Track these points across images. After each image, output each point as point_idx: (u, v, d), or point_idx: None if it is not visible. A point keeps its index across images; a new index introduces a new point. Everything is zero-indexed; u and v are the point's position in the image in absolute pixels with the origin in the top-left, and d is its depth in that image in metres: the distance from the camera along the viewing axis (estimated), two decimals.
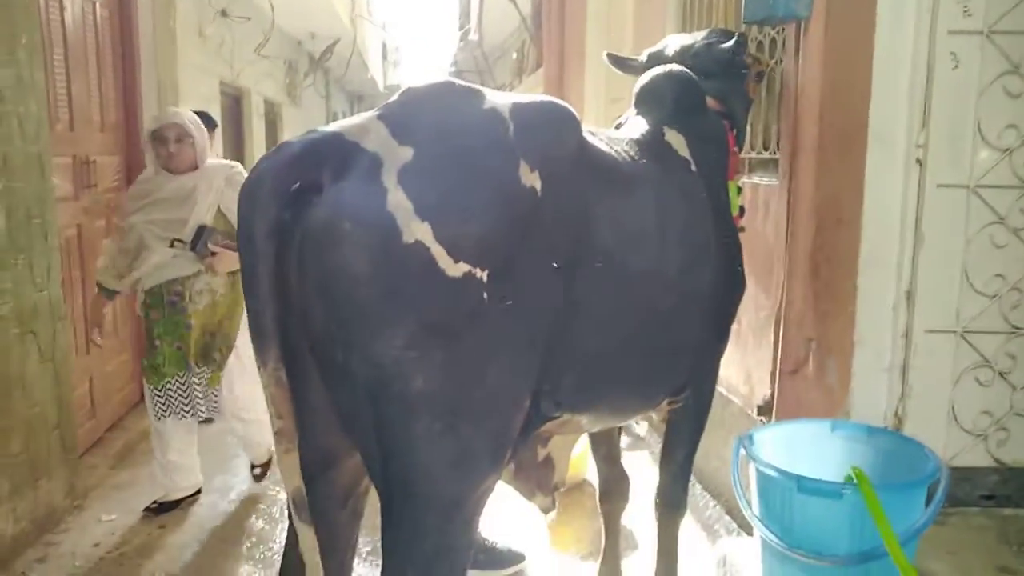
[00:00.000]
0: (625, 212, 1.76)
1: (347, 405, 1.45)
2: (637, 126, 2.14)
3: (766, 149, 3.07)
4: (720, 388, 3.37)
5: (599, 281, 1.66)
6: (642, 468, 3.58)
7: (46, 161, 3.27)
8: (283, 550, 1.69)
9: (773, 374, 2.88)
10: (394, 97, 1.53)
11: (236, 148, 7.24)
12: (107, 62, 4.38)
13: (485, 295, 1.40)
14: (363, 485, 1.68)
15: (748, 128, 3.13)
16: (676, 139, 2.11)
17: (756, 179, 3.12)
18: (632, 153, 1.92)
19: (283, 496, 1.72)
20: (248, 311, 1.40)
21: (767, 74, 2.87)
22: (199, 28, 5.64)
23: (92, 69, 4.18)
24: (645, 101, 2.24)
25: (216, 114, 5.46)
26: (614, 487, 2.62)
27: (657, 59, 2.50)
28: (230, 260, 3.16)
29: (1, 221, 2.92)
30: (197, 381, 3.29)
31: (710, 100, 2.33)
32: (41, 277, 3.19)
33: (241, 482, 3.77)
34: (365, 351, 1.37)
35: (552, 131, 1.60)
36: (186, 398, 3.31)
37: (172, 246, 3.16)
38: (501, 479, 1.95)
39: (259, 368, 1.41)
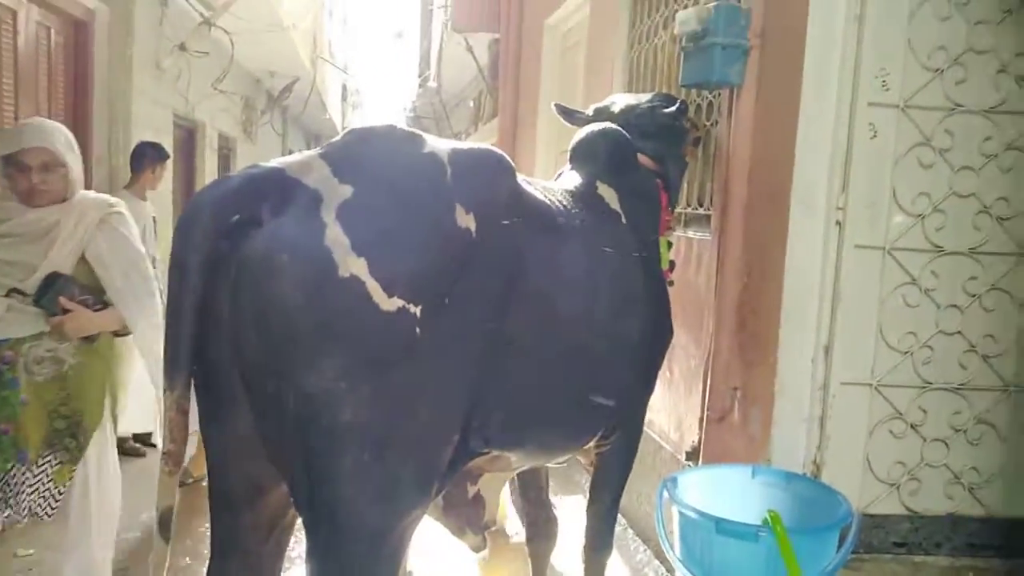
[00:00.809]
0: (557, 257, 1.85)
1: (276, 434, 1.48)
2: (572, 179, 2.25)
3: (700, 205, 3.21)
4: (652, 434, 3.47)
5: (530, 322, 1.73)
6: (576, 511, 3.61)
7: None
8: None
9: (701, 421, 2.97)
10: (338, 137, 1.60)
11: (187, 182, 7.20)
12: (59, 88, 4.38)
13: (418, 330, 1.46)
14: (288, 518, 1.70)
15: (684, 185, 3.29)
16: (608, 193, 2.22)
17: (691, 233, 3.25)
18: (566, 203, 2.03)
19: (207, 534, 1.72)
20: (167, 337, 1.45)
21: (703, 138, 3.03)
22: (156, 60, 5.66)
23: (43, 94, 4.18)
24: (579, 156, 2.35)
25: (168, 146, 5.45)
26: (542, 529, 2.66)
27: (602, 114, 2.62)
28: (86, 322, 2.44)
29: None
30: (32, 474, 2.47)
31: (646, 160, 2.46)
32: None
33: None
34: (296, 381, 1.41)
35: (487, 177, 1.68)
36: (5, 492, 2.48)
37: (8, 295, 2.39)
38: (431, 516, 2.00)
39: (164, 391, 1.47)
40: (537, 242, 1.79)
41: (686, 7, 3.09)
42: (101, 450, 2.57)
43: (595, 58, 4.68)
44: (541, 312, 1.78)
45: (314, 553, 1.50)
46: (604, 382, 2.07)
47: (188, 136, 7.25)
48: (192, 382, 1.48)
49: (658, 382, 2.92)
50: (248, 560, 1.64)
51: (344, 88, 18.91)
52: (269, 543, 1.66)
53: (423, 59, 12.62)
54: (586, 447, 2.28)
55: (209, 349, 1.48)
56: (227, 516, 1.63)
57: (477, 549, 2.21)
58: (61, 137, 2.48)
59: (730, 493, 2.36)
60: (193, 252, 1.40)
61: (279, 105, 11.48)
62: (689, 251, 3.23)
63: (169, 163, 4.93)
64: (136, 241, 2.59)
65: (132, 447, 4.56)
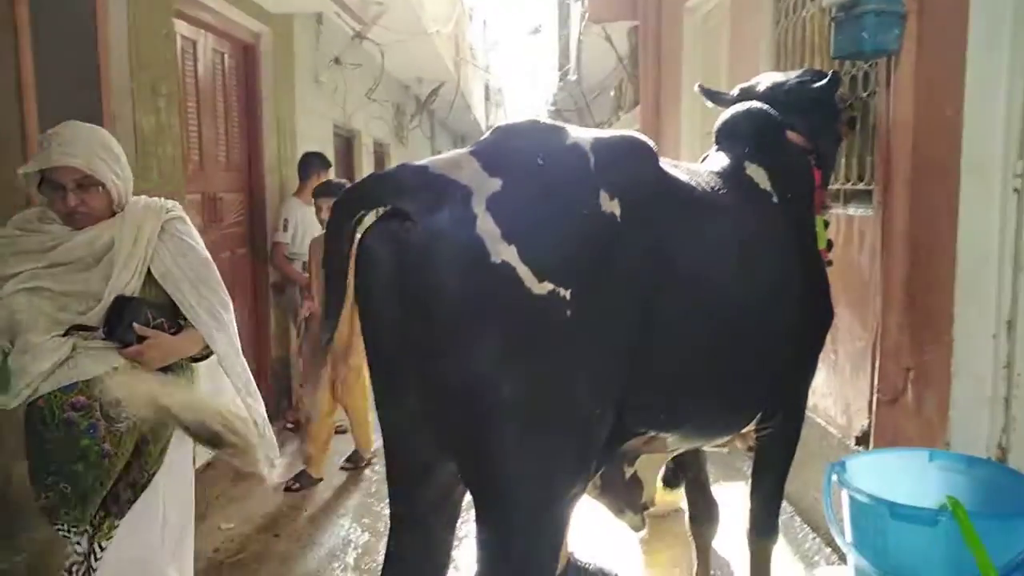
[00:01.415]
0: (706, 239, 1.84)
1: (440, 414, 1.58)
2: (718, 160, 2.21)
3: (860, 180, 3.05)
4: (818, 419, 3.34)
5: (681, 304, 1.74)
6: (739, 498, 3.55)
7: (180, 198, 3.61)
8: (383, 564, 1.82)
9: (871, 404, 2.84)
10: (486, 135, 1.68)
11: None
12: (233, 107, 4.78)
13: (568, 312, 1.50)
14: (457, 493, 1.79)
15: (842, 160, 3.14)
16: (757, 173, 2.17)
17: (851, 210, 3.10)
18: (713, 184, 2.00)
19: (387, 512, 1.85)
20: (326, 290, 1.62)
21: (860, 111, 2.88)
22: (315, 75, 6.06)
23: (220, 113, 4.58)
24: (725, 137, 2.31)
25: (329, 154, 5.84)
26: (703, 512, 2.64)
27: (748, 94, 2.55)
28: (168, 348, 2.12)
29: None
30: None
31: (797, 137, 2.37)
32: None
33: (348, 496, 3.98)
34: (456, 364, 1.49)
35: (630, 162, 1.70)
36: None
37: (68, 333, 2.06)
38: (590, 495, 2.05)
39: (322, 346, 1.66)
40: (684, 224, 1.79)
41: None
42: (149, 503, 2.18)
43: (739, 38, 4.55)
44: (692, 294, 1.77)
45: (482, 527, 1.59)
46: (760, 364, 2.04)
47: (346, 144, 7.70)
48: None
49: (822, 365, 2.82)
50: (423, 534, 1.75)
51: (487, 88, 19.31)
52: (441, 517, 1.77)
53: (562, 53, 12.66)
54: (744, 431, 2.24)
55: (376, 335, 1.60)
56: (401, 493, 1.75)
57: (636, 528, 2.24)
58: (96, 147, 2.10)
59: (904, 478, 2.24)
60: (342, 226, 1.57)
61: (427, 109, 11.92)
62: (850, 229, 3.09)
63: (331, 170, 5.28)
64: (201, 245, 2.27)
65: None
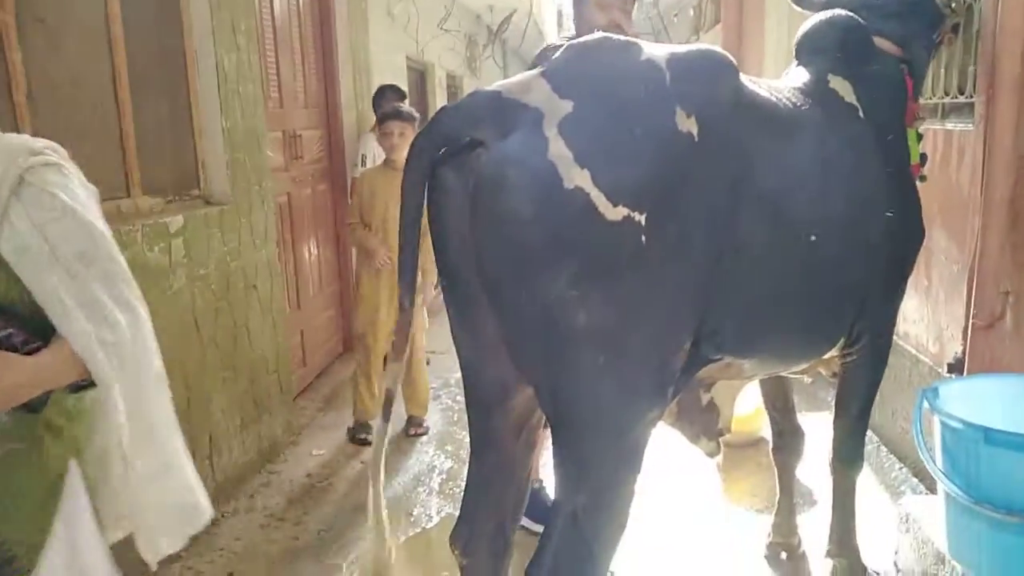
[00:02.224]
0: (786, 156, 1.76)
1: (518, 339, 1.59)
2: (800, 75, 2.10)
3: (961, 93, 2.86)
4: (908, 346, 3.23)
5: (760, 225, 1.68)
6: (823, 428, 3.50)
7: (262, 135, 3.69)
8: (465, 487, 1.88)
9: (965, 330, 2.71)
10: (556, 54, 1.63)
11: (421, 119, 7.68)
12: (308, 45, 4.81)
13: (644, 237, 1.47)
14: (535, 417, 1.82)
15: (941, 72, 2.94)
16: (841, 85, 2.05)
17: (949, 125, 2.92)
18: (794, 100, 1.91)
19: (467, 440, 1.90)
20: (401, 246, 1.60)
21: (962, 19, 2.67)
22: (388, 8, 6.02)
23: (296, 51, 4.62)
24: (807, 50, 2.18)
25: (404, 87, 5.83)
26: (788, 440, 2.62)
27: None
28: (18, 377, 1.25)
29: (228, 188, 3.35)
30: None
31: (888, 45, 2.22)
32: (260, 239, 3.63)
33: (432, 424, 4.11)
34: (532, 290, 1.49)
35: (708, 78, 1.63)
36: None
37: None
38: (666, 422, 2.04)
39: (400, 307, 1.64)
40: (765, 142, 1.72)
41: None
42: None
43: None
44: (771, 214, 1.71)
45: (559, 451, 1.61)
46: (843, 286, 1.96)
47: (419, 77, 7.67)
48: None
49: (913, 290, 2.70)
50: (502, 457, 1.79)
51: (559, 14, 18.78)
52: (519, 441, 1.80)
53: None
54: (827, 356, 2.18)
55: (453, 262, 1.61)
56: (480, 417, 1.79)
57: (712, 455, 2.23)
58: None
59: (1000, 405, 2.15)
60: (420, 172, 1.54)
61: (499, 39, 11.71)
62: (948, 145, 2.91)
63: (406, 101, 5.28)
64: (89, 207, 1.36)
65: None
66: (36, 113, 2.35)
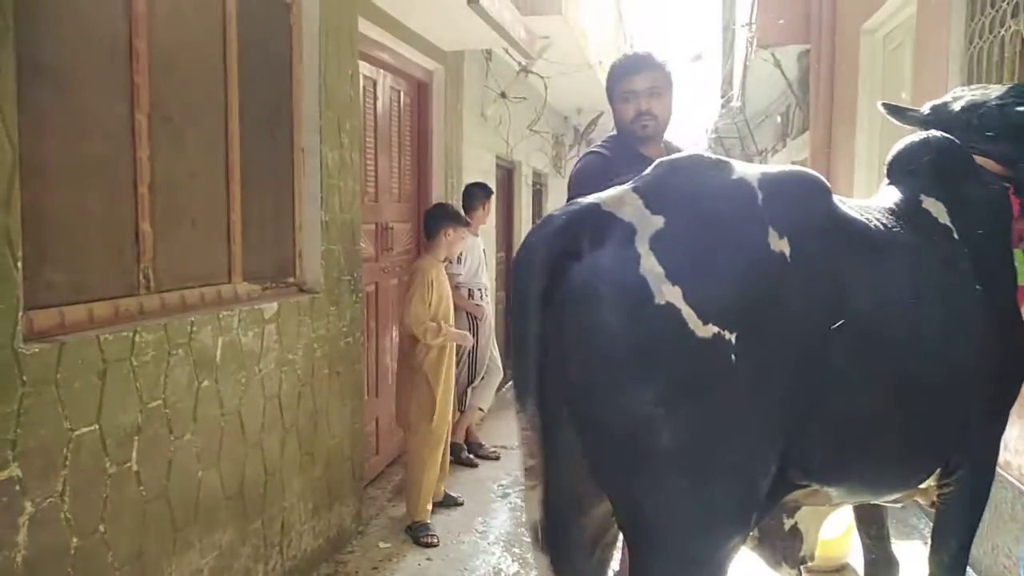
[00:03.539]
0: (878, 280, 1.73)
1: (598, 455, 1.57)
2: (891, 195, 2.07)
3: None
4: (1011, 477, 3.03)
5: (851, 349, 1.64)
6: (916, 559, 3.28)
7: (357, 228, 3.86)
8: None
9: None
10: (648, 170, 1.67)
11: (506, 216, 7.86)
12: (406, 141, 5.05)
13: (733, 357, 1.46)
14: (611, 534, 1.78)
15: None
16: (935, 207, 2.01)
17: None
18: (886, 221, 1.88)
19: None
20: (515, 365, 1.58)
21: None
22: (482, 109, 6.29)
23: (394, 148, 4.86)
24: (898, 170, 2.14)
25: (492, 184, 6.02)
26: (880, 570, 2.46)
27: (941, 112, 2.36)
28: None
29: (321, 277, 3.49)
30: None
31: (992, 164, 2.19)
32: (347, 326, 3.74)
33: (500, 525, 4.04)
34: (616, 405, 1.49)
35: (800, 199, 1.64)
36: None
37: None
38: (746, 546, 1.96)
39: (517, 413, 1.59)
40: (856, 265, 1.70)
41: None
42: None
43: (924, 59, 4.26)
44: (863, 338, 1.67)
45: (636, 573, 1.56)
46: (939, 414, 1.88)
47: (507, 175, 7.90)
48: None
49: (1019, 419, 2.54)
50: (574, 572, 1.74)
51: None
52: (593, 558, 1.75)
53: (725, 80, 12.39)
54: (922, 486, 2.07)
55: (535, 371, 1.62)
56: (555, 528, 1.75)
57: None
58: None
59: None
60: (532, 288, 1.53)
61: (585, 139, 12.01)
62: None
63: (492, 198, 5.44)
64: None
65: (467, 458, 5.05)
66: (155, 204, 2.53)
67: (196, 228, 2.78)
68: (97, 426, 2.16)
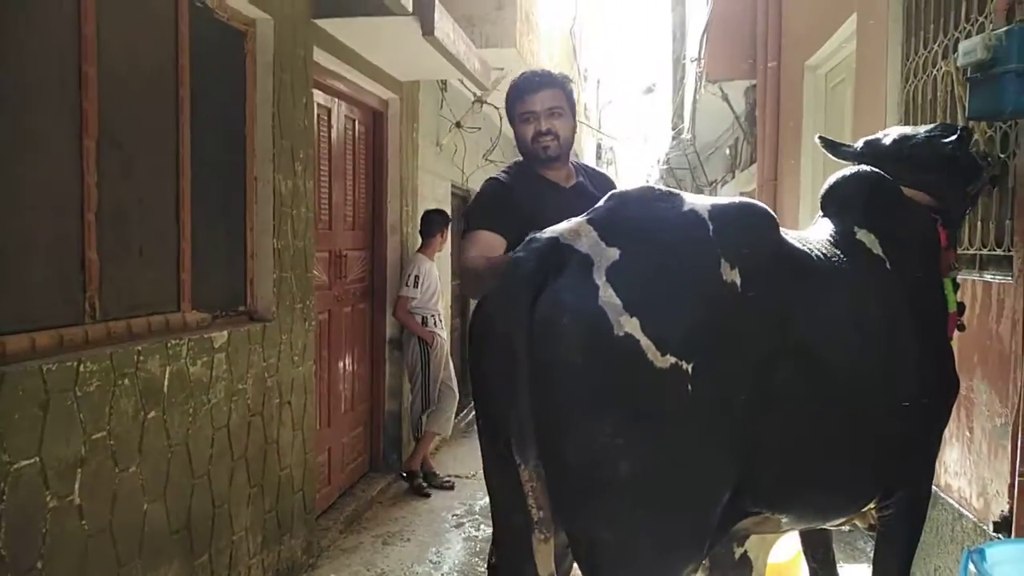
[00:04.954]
0: (821, 309, 1.78)
1: (556, 484, 1.57)
2: (826, 227, 2.14)
3: (999, 245, 2.88)
4: (950, 499, 3.12)
5: (796, 377, 1.68)
6: None
7: (310, 255, 3.83)
8: None
9: (1011, 487, 2.62)
10: (601, 202, 1.70)
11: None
12: (360, 169, 5.04)
13: (689, 387, 1.49)
14: (564, 566, 1.78)
15: (979, 224, 2.98)
16: (868, 238, 2.08)
17: (987, 276, 2.93)
18: (826, 252, 1.94)
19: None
20: (512, 421, 1.52)
21: (998, 173, 2.74)
22: (437, 138, 6.32)
23: (349, 176, 4.84)
24: (832, 204, 2.21)
25: (448, 212, 6.04)
26: None
27: (873, 147, 2.46)
28: None
29: (273, 306, 3.45)
30: None
31: (921, 195, 2.28)
32: (298, 355, 3.69)
33: (454, 556, 3.99)
34: (576, 435, 1.50)
35: (750, 230, 1.68)
36: None
37: None
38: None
39: (519, 466, 1.54)
40: (802, 295, 1.75)
41: (968, 35, 2.85)
42: None
43: (864, 96, 4.43)
44: (807, 367, 1.72)
45: None
46: (878, 438, 1.93)
47: (463, 203, 7.92)
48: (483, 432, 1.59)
49: (957, 442, 2.63)
50: None
51: (599, 147, 19.50)
52: None
53: (676, 112, 12.67)
54: (864, 510, 2.12)
55: (494, 406, 1.63)
56: (510, 559, 1.75)
57: None
58: None
59: None
60: (519, 340, 1.50)
61: None
62: (987, 296, 2.91)
63: (450, 226, 5.47)
64: None
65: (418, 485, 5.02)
66: (102, 231, 2.48)
67: (144, 256, 2.73)
68: (38, 458, 2.09)
